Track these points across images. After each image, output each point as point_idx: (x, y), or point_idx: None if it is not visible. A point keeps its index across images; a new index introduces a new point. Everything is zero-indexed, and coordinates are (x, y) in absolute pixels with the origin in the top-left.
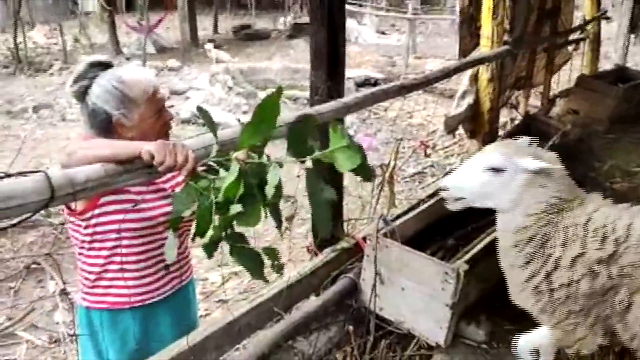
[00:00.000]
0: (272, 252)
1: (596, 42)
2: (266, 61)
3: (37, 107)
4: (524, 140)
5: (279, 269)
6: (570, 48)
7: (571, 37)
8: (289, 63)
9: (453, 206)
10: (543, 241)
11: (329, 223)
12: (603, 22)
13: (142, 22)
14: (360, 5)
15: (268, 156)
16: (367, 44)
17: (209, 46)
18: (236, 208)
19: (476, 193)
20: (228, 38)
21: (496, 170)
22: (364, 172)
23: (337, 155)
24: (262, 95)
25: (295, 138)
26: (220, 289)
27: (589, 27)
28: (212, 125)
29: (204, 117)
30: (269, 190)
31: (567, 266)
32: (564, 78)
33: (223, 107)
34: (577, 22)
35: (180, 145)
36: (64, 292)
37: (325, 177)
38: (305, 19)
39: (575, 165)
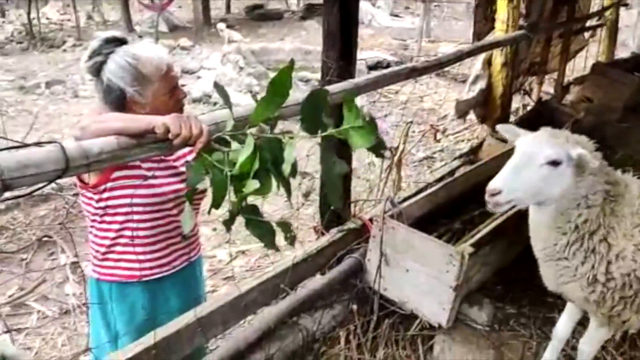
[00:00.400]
0: (285, 225)
1: (613, 29)
2: (278, 42)
3: (49, 82)
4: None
5: (292, 240)
6: (586, 35)
7: (588, 23)
8: (301, 44)
9: (502, 208)
10: (606, 233)
11: (340, 195)
12: (622, 9)
13: (155, 0)
14: None
15: (284, 133)
16: (381, 26)
17: (221, 26)
18: (254, 184)
19: (533, 190)
20: (240, 18)
21: (555, 163)
22: (378, 149)
23: (351, 133)
24: (273, 76)
25: (309, 113)
26: (228, 266)
27: (607, 13)
28: (228, 100)
29: (220, 92)
30: (286, 168)
31: (630, 256)
32: (580, 65)
33: (234, 88)
34: (595, 8)
35: (193, 117)
36: (76, 263)
37: (337, 154)
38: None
39: None
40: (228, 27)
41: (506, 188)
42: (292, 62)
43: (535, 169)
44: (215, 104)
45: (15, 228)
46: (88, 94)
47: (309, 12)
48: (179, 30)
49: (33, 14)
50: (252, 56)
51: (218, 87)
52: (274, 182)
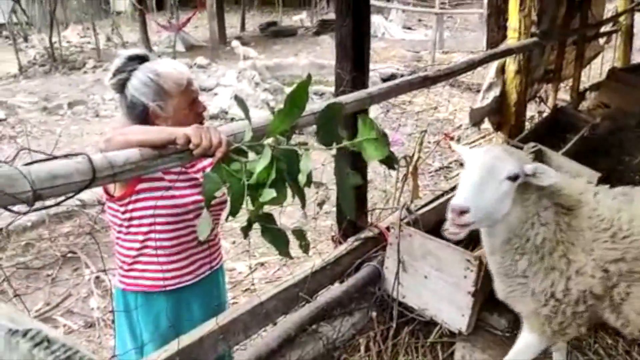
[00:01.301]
0: (300, 233)
1: (629, 34)
2: (292, 57)
3: (71, 103)
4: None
5: (306, 248)
6: (601, 41)
7: (603, 29)
8: (315, 59)
9: (465, 232)
10: (565, 249)
11: (353, 205)
12: (637, 15)
13: (172, 20)
14: (388, 0)
15: (300, 144)
16: (394, 39)
17: (235, 43)
18: (270, 193)
19: (494, 208)
20: (255, 35)
21: (514, 178)
22: (390, 161)
23: (365, 145)
24: (288, 90)
25: (325, 126)
26: (247, 278)
27: (621, 19)
28: (247, 112)
29: (240, 104)
30: (302, 178)
31: (590, 272)
32: (595, 71)
33: (250, 103)
34: (609, 14)
35: (213, 128)
36: (101, 276)
37: (351, 165)
38: (332, 15)
39: (604, 159)
40: (243, 44)
41: (473, 207)
42: (309, 77)
43: (496, 184)
44: (232, 119)
45: (41, 245)
46: (109, 114)
47: (322, 27)
48: (196, 49)
49: (54, 38)
50: (268, 72)
51: (238, 99)
52: (289, 192)
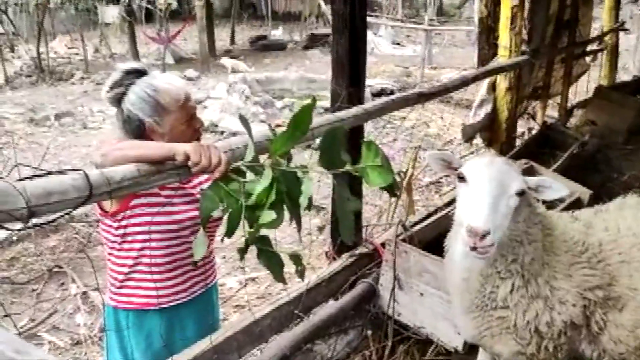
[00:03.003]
0: (297, 258)
1: (614, 53)
2: (282, 71)
3: (59, 115)
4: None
5: (301, 273)
6: (588, 59)
7: (589, 48)
8: (305, 73)
9: (490, 253)
10: (551, 273)
11: (352, 231)
12: (622, 34)
13: (161, 33)
14: (377, 17)
15: (300, 167)
16: (383, 54)
17: (224, 60)
18: (270, 215)
19: (507, 225)
20: (245, 49)
21: (521, 193)
22: (392, 188)
23: (369, 171)
24: (279, 104)
25: (328, 150)
26: (238, 294)
27: (606, 38)
28: (250, 131)
29: (244, 124)
30: (303, 201)
31: (572, 301)
32: (582, 89)
33: None
34: (595, 33)
35: (213, 147)
36: (96, 289)
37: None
38: (321, 30)
39: (593, 176)
40: (233, 57)
41: (493, 228)
42: (313, 100)
43: (506, 200)
44: (222, 132)
45: (26, 259)
46: (97, 125)
47: (311, 41)
48: (185, 61)
49: (42, 49)
50: (258, 85)
51: (242, 119)
52: (286, 214)
